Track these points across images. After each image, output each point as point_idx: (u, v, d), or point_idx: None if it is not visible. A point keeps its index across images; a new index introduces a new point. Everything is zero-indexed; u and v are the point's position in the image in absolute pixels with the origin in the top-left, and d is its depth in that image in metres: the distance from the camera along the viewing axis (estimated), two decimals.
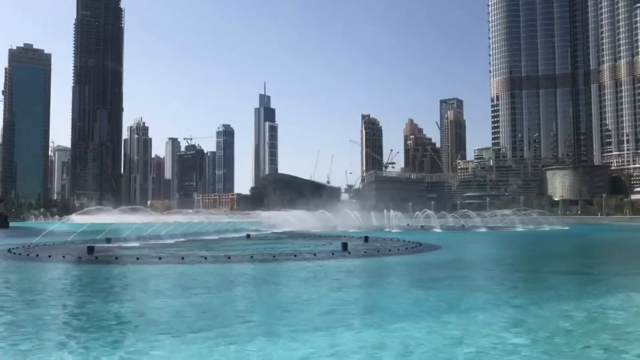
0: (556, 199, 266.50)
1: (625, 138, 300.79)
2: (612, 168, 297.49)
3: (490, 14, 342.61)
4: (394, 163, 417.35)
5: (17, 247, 44.37)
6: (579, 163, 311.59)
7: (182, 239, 59.36)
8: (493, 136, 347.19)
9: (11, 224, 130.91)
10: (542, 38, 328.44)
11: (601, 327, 15.33)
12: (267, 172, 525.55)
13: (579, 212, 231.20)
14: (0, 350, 12.89)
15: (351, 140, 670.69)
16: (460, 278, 27.21)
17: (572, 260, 40.58)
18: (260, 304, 19.75)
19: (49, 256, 37.28)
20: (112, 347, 13.16)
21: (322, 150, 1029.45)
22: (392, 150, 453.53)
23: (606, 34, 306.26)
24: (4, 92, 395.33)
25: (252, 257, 37.01)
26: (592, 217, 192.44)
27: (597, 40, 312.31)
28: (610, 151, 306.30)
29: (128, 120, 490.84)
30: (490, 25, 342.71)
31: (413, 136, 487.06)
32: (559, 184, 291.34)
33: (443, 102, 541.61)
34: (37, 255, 37.63)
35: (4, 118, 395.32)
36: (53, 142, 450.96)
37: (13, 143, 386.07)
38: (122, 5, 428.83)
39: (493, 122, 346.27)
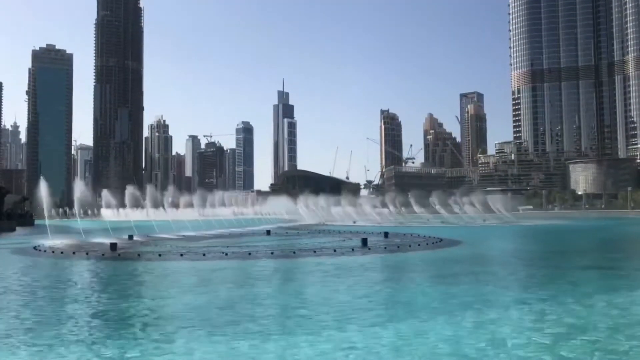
0: (579, 193, 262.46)
1: None
2: (638, 161, 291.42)
3: (511, 6, 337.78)
4: (413, 158, 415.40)
5: (43, 244, 45.15)
6: (603, 156, 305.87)
7: (203, 235, 59.85)
8: (514, 130, 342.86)
9: (36, 222, 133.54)
10: (564, 29, 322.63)
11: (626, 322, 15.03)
12: (286, 168, 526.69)
13: (603, 206, 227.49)
14: (32, 345, 13.11)
15: (369, 138, 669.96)
16: (482, 274, 26.91)
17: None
18: (276, 302, 19.74)
19: (73, 253, 37.89)
20: (141, 343, 13.28)
21: (341, 146, 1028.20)
22: (411, 145, 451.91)
23: (631, 24, 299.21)
24: (28, 92, 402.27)
25: (272, 253, 37.15)
26: (617, 212, 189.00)
27: (621, 30, 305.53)
28: (636, 144, 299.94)
29: (149, 118, 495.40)
30: (511, 17, 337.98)
31: (433, 131, 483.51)
32: (582, 177, 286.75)
33: (463, 96, 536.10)
34: (62, 253, 38.25)
35: (29, 118, 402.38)
36: (76, 141, 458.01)
37: (37, 142, 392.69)
38: (142, 4, 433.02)
39: (514, 116, 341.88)
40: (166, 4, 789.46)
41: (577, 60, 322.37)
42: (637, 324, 15.02)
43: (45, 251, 39.84)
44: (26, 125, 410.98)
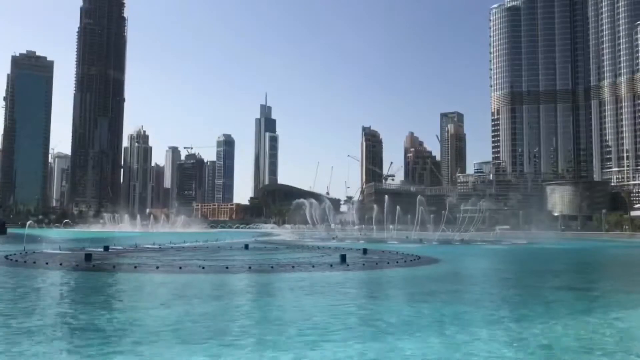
0: (555, 214, 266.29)
1: (625, 154, 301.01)
2: (612, 184, 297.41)
3: (492, 29, 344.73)
4: (393, 176, 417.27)
5: (15, 254, 44.26)
6: (579, 179, 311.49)
7: (180, 248, 59.23)
8: (493, 150, 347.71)
9: (9, 230, 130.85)
10: (543, 53, 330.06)
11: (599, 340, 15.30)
12: (266, 182, 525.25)
13: (578, 227, 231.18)
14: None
15: (349, 155, 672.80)
16: (459, 292, 27.14)
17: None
18: (252, 316, 19.68)
19: (47, 263, 37.19)
20: (109, 357, 13.11)
21: (322, 161, 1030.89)
22: (391, 162, 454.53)
23: (607, 50, 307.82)
24: (5, 99, 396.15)
25: (250, 267, 36.93)
26: (592, 233, 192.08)
27: (597, 56, 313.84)
28: (610, 167, 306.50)
29: (129, 128, 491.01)
30: (492, 39, 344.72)
31: (413, 149, 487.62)
32: (558, 199, 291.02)
33: (444, 115, 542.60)
34: (34, 263, 37.53)
35: (5, 124, 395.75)
36: (53, 149, 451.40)
37: (13, 149, 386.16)
38: (126, 14, 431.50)
39: (493, 137, 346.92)
40: (150, 15, 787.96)
41: (555, 84, 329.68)
42: (607, 345, 15.31)
43: (17, 261, 39.05)
44: (2, 132, 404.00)
